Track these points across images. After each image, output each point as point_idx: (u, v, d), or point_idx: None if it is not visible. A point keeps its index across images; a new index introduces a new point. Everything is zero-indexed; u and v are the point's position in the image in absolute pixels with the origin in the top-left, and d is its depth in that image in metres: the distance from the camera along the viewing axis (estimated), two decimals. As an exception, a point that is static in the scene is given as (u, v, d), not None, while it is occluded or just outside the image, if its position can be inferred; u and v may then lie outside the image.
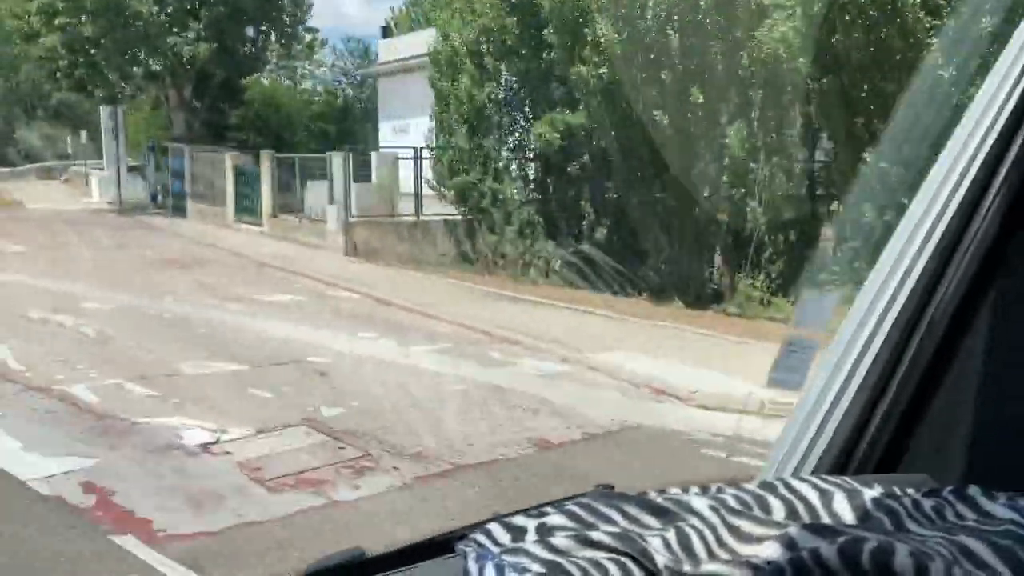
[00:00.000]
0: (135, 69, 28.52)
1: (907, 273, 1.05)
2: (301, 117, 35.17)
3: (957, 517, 0.83)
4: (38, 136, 46.09)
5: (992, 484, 0.87)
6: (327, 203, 18.04)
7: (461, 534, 0.86)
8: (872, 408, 1.07)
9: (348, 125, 35.39)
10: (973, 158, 1.02)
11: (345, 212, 17.32)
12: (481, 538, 0.82)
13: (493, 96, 15.15)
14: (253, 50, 30.19)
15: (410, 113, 23.30)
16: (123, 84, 29.29)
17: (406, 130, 23.76)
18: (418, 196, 17.48)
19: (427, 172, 17.21)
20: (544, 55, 14.29)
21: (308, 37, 32.34)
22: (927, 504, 0.84)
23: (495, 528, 0.83)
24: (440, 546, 0.90)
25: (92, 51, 26.47)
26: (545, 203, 15.15)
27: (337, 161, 18.20)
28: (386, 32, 31.96)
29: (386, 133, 26.17)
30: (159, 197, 28.82)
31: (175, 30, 26.54)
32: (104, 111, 30.17)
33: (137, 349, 8.83)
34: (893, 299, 1.06)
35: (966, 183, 1.02)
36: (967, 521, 0.82)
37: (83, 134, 39.00)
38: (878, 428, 1.07)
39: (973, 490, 0.85)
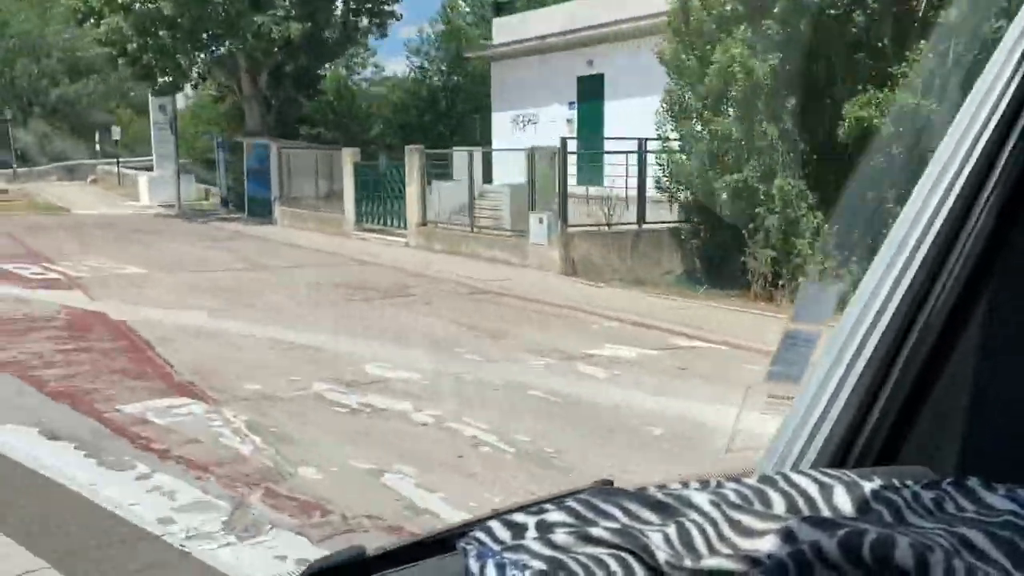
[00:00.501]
0: (200, 55, 24.91)
1: (905, 267, 1.05)
2: (380, 108, 31.73)
3: (957, 509, 0.83)
4: (35, 135, 44.82)
5: (991, 475, 0.87)
6: (505, 208, 15.20)
7: (461, 532, 0.86)
8: (871, 401, 1.07)
9: (441, 116, 30.45)
10: (968, 156, 1.03)
11: (559, 222, 14.01)
12: (481, 535, 0.83)
13: (776, 69, 11.03)
14: (341, 32, 25.93)
15: (541, 100, 20.35)
16: (191, 71, 25.62)
17: (534, 120, 20.77)
18: (642, 200, 14.27)
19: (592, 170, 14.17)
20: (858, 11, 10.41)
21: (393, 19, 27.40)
22: (927, 496, 0.84)
23: (495, 525, 0.84)
24: (440, 544, 0.90)
25: (164, 33, 22.74)
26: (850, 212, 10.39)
27: (460, 159, 16.22)
28: (500, 9, 27.35)
29: (502, 125, 22.34)
30: (229, 200, 26.57)
31: (260, 7, 22.95)
32: (154, 103, 28.00)
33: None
34: (892, 293, 1.06)
35: (962, 179, 1.03)
36: (967, 512, 0.82)
37: (115, 130, 37.42)
38: (877, 421, 1.07)
39: (973, 482, 0.86)
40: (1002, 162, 1.01)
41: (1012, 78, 1.00)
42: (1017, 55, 1.00)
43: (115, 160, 35.09)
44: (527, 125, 21.16)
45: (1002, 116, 1.01)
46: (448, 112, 30.77)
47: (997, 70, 1.01)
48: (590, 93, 19.30)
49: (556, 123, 18.56)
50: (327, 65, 28.80)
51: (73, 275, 13.53)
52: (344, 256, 16.45)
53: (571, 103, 17.67)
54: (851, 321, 1.08)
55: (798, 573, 0.71)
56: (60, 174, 37.61)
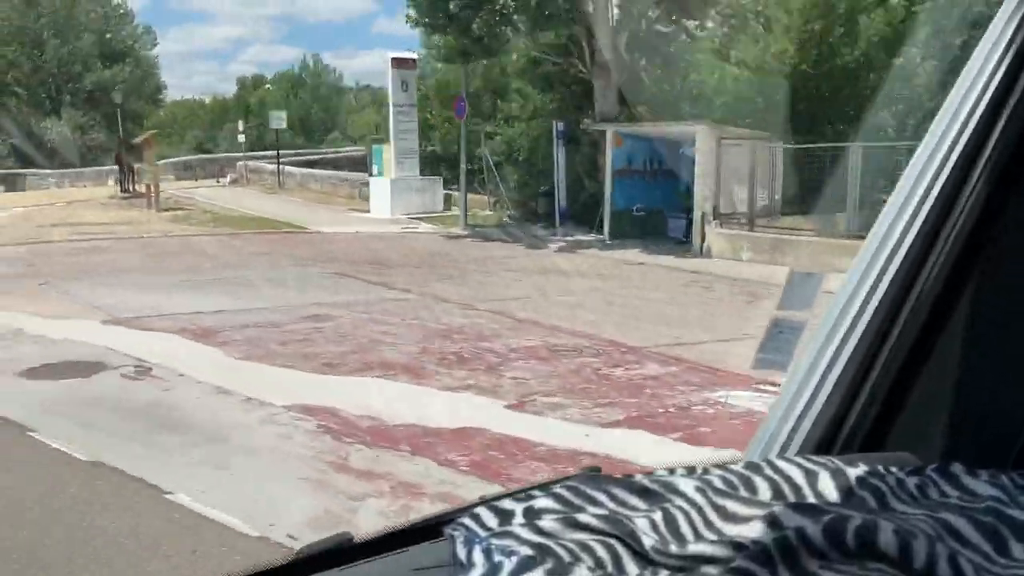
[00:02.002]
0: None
1: (891, 256, 1.06)
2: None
3: (940, 495, 0.84)
4: (70, 125, 41.90)
5: (974, 462, 0.88)
6: None
7: (449, 518, 0.86)
8: (857, 388, 1.08)
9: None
10: (953, 147, 1.03)
11: None
12: (469, 522, 0.83)
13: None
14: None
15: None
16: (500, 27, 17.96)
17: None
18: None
19: None
20: None
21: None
22: (911, 482, 0.85)
23: (483, 511, 0.84)
24: (428, 530, 0.90)
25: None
26: None
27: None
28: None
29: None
30: (565, 214, 19.29)
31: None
32: (395, 78, 23.03)
33: None
34: (878, 281, 1.06)
35: (946, 170, 1.03)
36: (950, 498, 0.83)
37: (240, 124, 34.88)
38: (863, 408, 1.08)
39: (956, 468, 0.86)
40: (986, 153, 1.02)
41: (995, 72, 1.00)
42: (1000, 48, 1.00)
43: (267, 155, 31.89)
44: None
45: (985, 109, 1.01)
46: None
47: (980, 63, 1.02)
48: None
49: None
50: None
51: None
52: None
53: None
54: (837, 309, 1.09)
55: (783, 558, 0.71)
56: (177, 171, 34.73)
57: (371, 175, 25.02)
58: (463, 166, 20.80)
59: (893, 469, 0.87)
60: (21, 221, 21.53)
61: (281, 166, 30.07)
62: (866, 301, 1.07)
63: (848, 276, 1.10)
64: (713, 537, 0.77)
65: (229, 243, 18.04)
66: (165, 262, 15.42)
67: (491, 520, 0.83)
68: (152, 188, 24.33)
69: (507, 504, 0.85)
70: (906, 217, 1.05)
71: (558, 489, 0.86)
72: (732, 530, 0.78)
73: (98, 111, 43.09)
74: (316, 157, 34.27)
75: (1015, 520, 0.76)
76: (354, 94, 60.62)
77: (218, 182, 31.29)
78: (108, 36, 45.55)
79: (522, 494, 0.87)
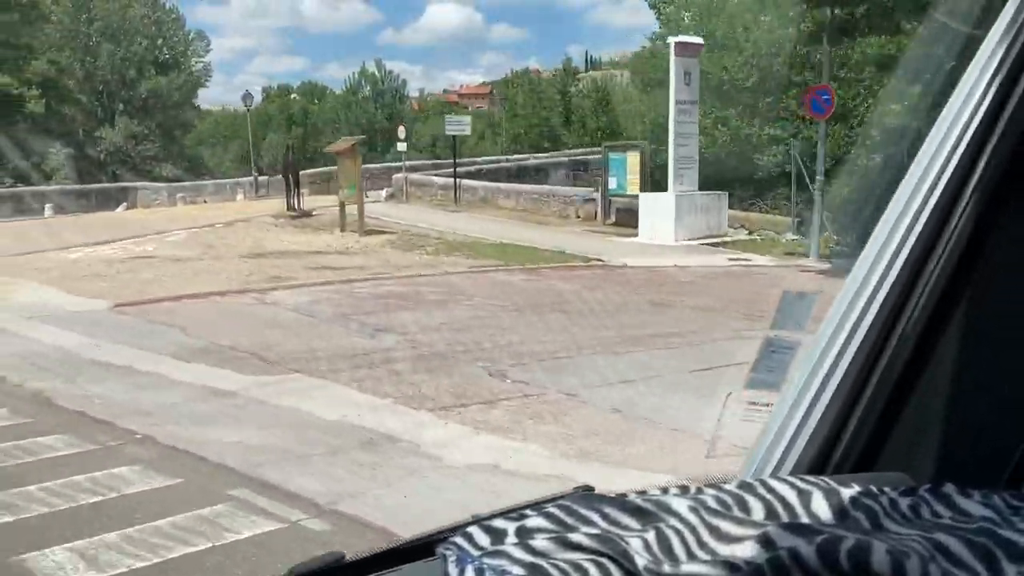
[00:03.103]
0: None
1: (883, 278, 1.06)
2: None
3: (933, 515, 0.84)
4: (123, 134, 39.38)
5: (968, 482, 0.88)
6: None
7: (441, 537, 0.86)
8: (850, 408, 1.08)
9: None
10: (946, 163, 1.04)
11: None
12: (461, 541, 0.83)
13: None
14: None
15: None
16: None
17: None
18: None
19: None
20: None
21: None
22: (904, 502, 0.85)
23: (475, 531, 0.84)
24: (420, 549, 0.90)
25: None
26: None
27: None
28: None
29: None
30: None
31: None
32: (677, 66, 18.88)
33: None
34: (870, 302, 1.07)
35: (941, 185, 1.04)
36: (943, 519, 0.83)
37: (401, 131, 30.13)
38: (856, 428, 1.08)
39: (949, 488, 0.86)
40: (978, 171, 1.03)
41: (992, 82, 1.01)
42: (991, 69, 1.01)
43: (419, 165, 28.88)
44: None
45: (980, 122, 1.02)
46: None
47: (977, 73, 1.03)
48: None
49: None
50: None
51: None
52: None
53: None
54: (830, 330, 1.09)
55: None
56: (236, 189, 32.28)
57: (600, 190, 21.69)
58: (819, 178, 16.72)
59: (886, 489, 0.87)
60: (203, 249, 17.70)
61: (450, 179, 26.54)
62: (858, 321, 1.07)
63: (840, 296, 1.10)
64: (706, 557, 0.77)
65: (557, 286, 13.75)
66: (579, 324, 10.73)
67: (483, 539, 0.82)
68: (346, 207, 20.10)
69: (499, 523, 0.84)
70: (897, 238, 1.06)
71: (550, 508, 0.86)
72: (725, 550, 0.77)
73: (152, 120, 41.55)
74: (474, 168, 30.76)
75: (1008, 540, 0.76)
76: (417, 102, 58.09)
77: (368, 196, 25.50)
78: (160, 42, 44.01)
79: (514, 513, 0.87)
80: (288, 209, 23.51)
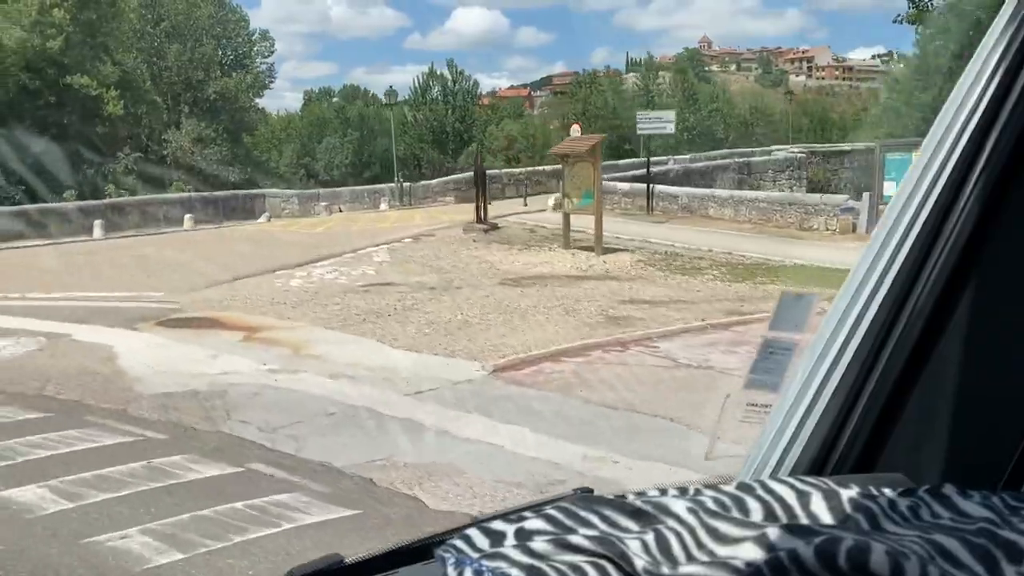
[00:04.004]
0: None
1: (883, 276, 1.06)
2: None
3: (932, 516, 0.83)
4: (188, 137, 37.24)
5: (966, 483, 0.88)
6: None
7: (439, 539, 0.86)
8: (849, 409, 1.08)
9: None
10: (942, 169, 1.04)
11: None
12: (460, 543, 0.82)
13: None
14: None
15: None
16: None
17: None
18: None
19: None
20: None
21: None
22: (903, 503, 0.85)
23: (474, 533, 0.83)
24: (418, 552, 0.90)
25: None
26: None
27: None
28: None
29: None
30: None
31: None
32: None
33: None
34: (869, 301, 1.07)
35: (936, 191, 1.04)
36: (942, 520, 0.83)
37: (576, 129, 26.10)
38: (855, 429, 1.08)
39: (948, 489, 0.86)
40: (976, 173, 1.03)
41: (990, 82, 1.01)
42: (992, 64, 1.01)
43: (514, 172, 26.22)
44: None
45: (978, 123, 1.02)
46: None
47: (972, 79, 1.03)
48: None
49: None
50: None
51: None
52: None
53: None
54: (829, 331, 1.09)
55: None
56: (443, 191, 29.09)
57: (873, 197, 18.00)
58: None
59: (885, 490, 0.87)
60: (437, 274, 15.44)
61: (634, 184, 23.62)
62: (858, 321, 1.07)
63: (839, 297, 1.10)
64: (705, 559, 0.77)
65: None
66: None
67: (482, 542, 0.82)
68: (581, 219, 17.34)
69: (498, 525, 0.84)
70: (896, 238, 1.06)
71: (549, 510, 0.85)
72: (724, 551, 0.77)
73: (218, 122, 40.16)
74: (619, 174, 27.40)
75: (1007, 541, 0.76)
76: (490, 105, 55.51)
77: (492, 204, 22.81)
78: (225, 42, 42.81)
79: (513, 515, 0.87)
80: (477, 221, 20.80)
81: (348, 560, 0.90)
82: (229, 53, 43.92)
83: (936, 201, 1.04)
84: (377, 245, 19.18)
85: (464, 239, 19.67)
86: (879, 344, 1.07)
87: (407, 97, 52.52)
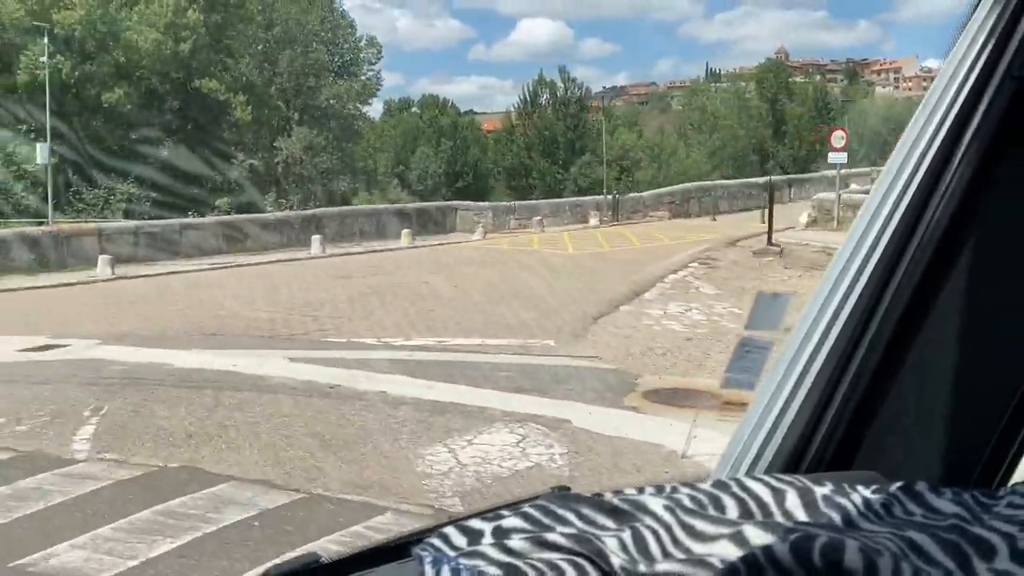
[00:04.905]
0: None
1: (855, 278, 1.07)
2: None
3: (905, 512, 0.84)
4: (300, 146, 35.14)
5: (939, 480, 0.89)
6: None
7: (417, 538, 0.86)
8: (824, 407, 1.09)
9: None
10: (915, 171, 1.05)
11: None
12: (437, 542, 0.82)
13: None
14: None
15: None
16: None
17: None
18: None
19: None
20: None
21: None
22: (876, 500, 0.86)
23: (451, 531, 0.83)
24: (395, 550, 0.89)
25: None
26: None
27: None
28: None
29: None
30: None
31: None
32: None
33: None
34: (844, 300, 1.08)
35: (908, 195, 1.05)
36: (915, 516, 0.84)
37: (839, 136, 23.49)
38: (830, 427, 1.09)
39: (920, 486, 0.87)
40: (949, 176, 1.04)
41: (966, 80, 1.02)
42: (979, 44, 1.02)
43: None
44: None
45: (948, 130, 1.03)
46: None
47: (945, 82, 1.04)
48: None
49: None
50: None
51: None
52: None
53: None
54: (804, 329, 1.10)
55: None
56: (654, 207, 26.22)
57: None
58: None
59: (859, 487, 0.88)
60: None
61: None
62: (832, 320, 1.08)
63: (815, 295, 1.11)
64: (682, 556, 0.77)
65: None
66: None
67: (459, 540, 0.82)
68: None
69: (475, 524, 0.84)
70: (869, 241, 1.07)
71: (527, 508, 0.86)
72: (700, 549, 0.78)
73: (328, 130, 38.51)
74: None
75: (978, 537, 0.77)
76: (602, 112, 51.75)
77: (763, 221, 20.55)
78: (333, 48, 41.37)
79: (490, 513, 0.87)
80: (769, 243, 19.20)
81: (325, 559, 0.90)
82: (337, 59, 42.68)
83: (912, 196, 1.05)
84: (675, 271, 17.74)
85: (760, 264, 18.20)
86: (854, 343, 1.08)
87: (469, 108, 51.43)
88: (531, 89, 50.33)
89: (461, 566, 0.76)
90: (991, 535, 0.77)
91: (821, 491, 0.87)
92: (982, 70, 1.02)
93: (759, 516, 0.84)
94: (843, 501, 0.85)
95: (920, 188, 1.05)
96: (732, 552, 0.75)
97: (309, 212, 28.50)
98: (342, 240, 25.48)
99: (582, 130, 48.35)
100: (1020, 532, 0.77)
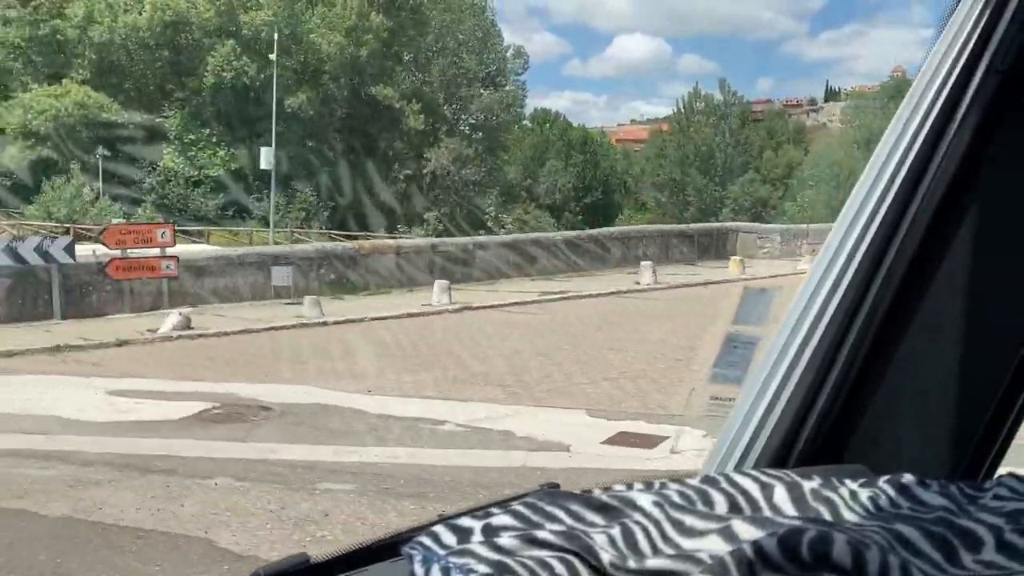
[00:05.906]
0: None
1: (841, 274, 1.08)
2: None
3: (892, 506, 0.85)
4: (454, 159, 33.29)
5: (926, 473, 0.89)
6: None
7: (406, 537, 0.85)
8: (811, 402, 1.09)
9: None
10: (900, 166, 1.05)
11: None
12: (427, 540, 0.82)
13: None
14: None
15: None
16: None
17: None
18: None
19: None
20: None
21: None
22: (864, 494, 0.86)
23: (440, 530, 0.83)
24: (385, 549, 0.89)
25: None
26: None
27: None
28: None
29: None
30: None
31: None
32: None
33: None
34: (831, 295, 1.08)
35: (894, 189, 1.05)
36: (902, 509, 0.84)
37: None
38: (817, 421, 1.09)
39: (908, 479, 0.88)
40: (933, 169, 1.04)
41: (944, 85, 1.03)
42: (950, 60, 1.02)
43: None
44: None
45: (933, 124, 1.03)
46: None
47: (929, 77, 1.04)
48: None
49: None
50: None
51: None
52: None
53: None
54: (791, 325, 1.10)
55: (739, 571, 0.72)
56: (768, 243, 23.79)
57: None
58: None
59: (847, 481, 0.88)
60: None
61: None
62: (820, 314, 1.08)
63: (802, 290, 1.11)
64: (671, 551, 0.78)
65: None
66: None
67: (449, 538, 0.82)
68: None
69: (465, 522, 0.84)
70: (854, 237, 1.07)
71: (516, 506, 0.85)
72: (689, 544, 0.78)
73: (478, 141, 36.68)
74: None
75: (964, 530, 0.77)
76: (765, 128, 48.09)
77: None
78: (484, 56, 39.98)
79: (480, 512, 0.87)
80: None
81: (314, 559, 0.90)
82: (483, 69, 41.35)
83: (897, 191, 1.05)
84: None
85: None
86: (840, 337, 1.08)
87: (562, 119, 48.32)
88: (686, 102, 47.87)
89: (451, 564, 0.76)
90: (978, 527, 0.77)
91: (809, 485, 0.87)
92: (966, 64, 1.02)
93: (748, 511, 0.85)
94: (831, 495, 0.85)
95: (905, 182, 1.05)
96: (721, 547, 0.75)
97: (585, 233, 25.76)
98: (618, 264, 22.66)
99: (745, 146, 46.03)
100: (1006, 523, 0.78)
